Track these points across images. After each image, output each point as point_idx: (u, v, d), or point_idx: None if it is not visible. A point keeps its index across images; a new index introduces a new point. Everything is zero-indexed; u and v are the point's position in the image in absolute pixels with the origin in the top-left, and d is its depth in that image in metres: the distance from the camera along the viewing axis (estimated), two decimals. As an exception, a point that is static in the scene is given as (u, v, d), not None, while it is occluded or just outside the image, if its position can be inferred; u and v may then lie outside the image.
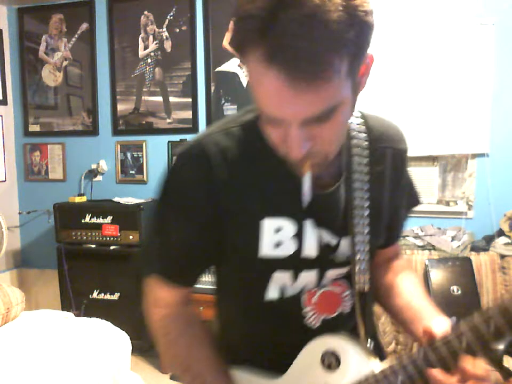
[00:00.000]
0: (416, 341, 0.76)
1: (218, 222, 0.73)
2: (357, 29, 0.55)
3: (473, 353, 0.60)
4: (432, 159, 2.81)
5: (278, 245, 0.73)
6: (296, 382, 0.76)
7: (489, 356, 0.61)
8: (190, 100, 3.15)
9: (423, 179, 2.84)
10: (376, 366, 0.72)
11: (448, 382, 0.61)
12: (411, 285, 0.88)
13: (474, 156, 2.71)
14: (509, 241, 2.51)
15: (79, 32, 3.34)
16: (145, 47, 3.21)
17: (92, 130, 3.37)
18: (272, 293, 0.76)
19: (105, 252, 2.91)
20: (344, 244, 0.77)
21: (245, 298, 0.80)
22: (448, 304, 2.28)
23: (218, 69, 3.07)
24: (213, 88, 3.10)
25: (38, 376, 1.73)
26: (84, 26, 3.32)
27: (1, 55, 3.43)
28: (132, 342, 2.16)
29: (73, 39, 3.36)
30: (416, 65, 2.72)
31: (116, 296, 2.95)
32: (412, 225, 2.71)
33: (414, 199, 0.91)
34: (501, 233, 2.58)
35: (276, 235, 0.73)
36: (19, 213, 3.56)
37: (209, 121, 3.10)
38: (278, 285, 0.75)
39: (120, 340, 2.14)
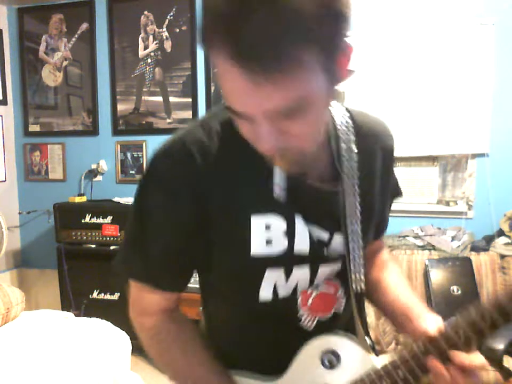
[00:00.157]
0: (407, 335, 0.77)
1: (205, 222, 0.71)
2: (329, 21, 0.53)
3: (470, 345, 0.62)
4: (432, 159, 2.82)
5: (269, 242, 0.71)
6: (295, 383, 0.76)
7: (488, 354, 0.63)
8: (190, 100, 3.15)
9: (423, 179, 2.84)
10: (377, 361, 0.72)
11: (450, 373, 0.63)
12: (397, 279, 0.89)
13: (474, 155, 2.71)
14: (509, 241, 2.51)
15: (79, 32, 3.34)
16: (145, 47, 3.21)
17: (92, 130, 3.37)
18: (266, 292, 0.74)
19: (105, 252, 2.90)
20: (336, 239, 0.76)
21: (238, 300, 0.78)
22: (448, 304, 2.28)
23: (218, 69, 3.06)
24: (213, 88, 3.10)
25: (38, 376, 1.73)
26: (84, 26, 3.32)
27: (1, 55, 3.43)
28: (131, 342, 2.16)
29: (73, 39, 3.36)
30: (416, 65, 2.72)
31: (115, 296, 2.95)
32: (411, 225, 2.71)
33: (396, 191, 0.92)
34: (501, 233, 2.58)
35: (266, 232, 0.71)
36: (19, 213, 3.55)
37: (209, 121, 3.10)
38: (270, 284, 0.74)
39: (120, 339, 2.14)
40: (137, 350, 2.30)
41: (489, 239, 2.59)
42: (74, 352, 1.92)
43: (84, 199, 3.26)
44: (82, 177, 3.39)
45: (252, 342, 0.80)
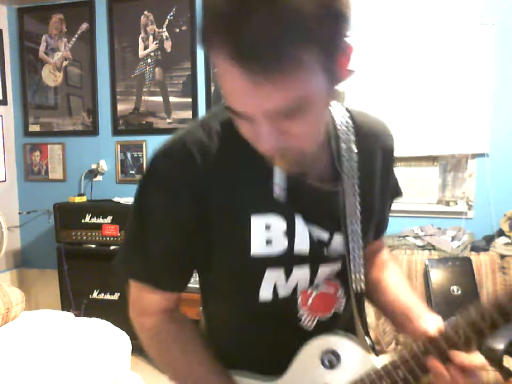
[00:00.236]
0: (407, 335, 0.77)
1: (205, 222, 0.71)
2: (329, 21, 0.53)
3: (470, 345, 0.63)
4: (432, 159, 2.82)
5: (269, 242, 0.71)
6: (296, 383, 0.75)
7: (488, 354, 0.63)
8: (190, 100, 3.15)
9: (423, 179, 2.84)
10: (377, 361, 0.72)
11: (450, 373, 0.63)
12: (397, 279, 0.89)
13: (474, 155, 2.71)
14: (509, 241, 2.51)
15: (79, 32, 3.34)
16: (145, 47, 3.21)
17: (92, 130, 3.37)
18: (266, 292, 0.74)
19: (105, 252, 2.90)
20: (336, 239, 0.76)
21: (238, 300, 0.78)
22: (448, 304, 2.28)
23: (218, 69, 3.06)
24: (213, 88, 3.10)
25: (38, 376, 1.73)
26: (84, 26, 3.32)
27: (1, 55, 3.43)
28: (131, 342, 2.16)
29: (73, 39, 3.36)
30: (416, 65, 2.72)
31: (115, 296, 2.95)
32: (411, 225, 2.71)
33: (396, 191, 0.92)
34: (501, 233, 2.58)
35: (266, 232, 0.71)
36: (19, 213, 3.55)
37: (209, 121, 3.10)
38: (270, 284, 0.74)
39: (120, 339, 2.14)
40: (137, 350, 2.30)
41: (489, 239, 2.59)
42: (74, 352, 1.92)
43: (84, 199, 3.26)
44: (82, 177, 3.39)
45: (252, 342, 0.79)
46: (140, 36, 3.20)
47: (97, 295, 2.99)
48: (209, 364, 0.77)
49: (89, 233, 2.96)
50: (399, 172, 2.79)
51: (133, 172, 3.31)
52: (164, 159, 0.71)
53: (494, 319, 0.60)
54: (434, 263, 2.40)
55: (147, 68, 3.22)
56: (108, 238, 2.93)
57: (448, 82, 2.69)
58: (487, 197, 2.68)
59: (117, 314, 2.70)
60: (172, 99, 3.19)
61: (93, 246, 2.98)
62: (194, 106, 3.14)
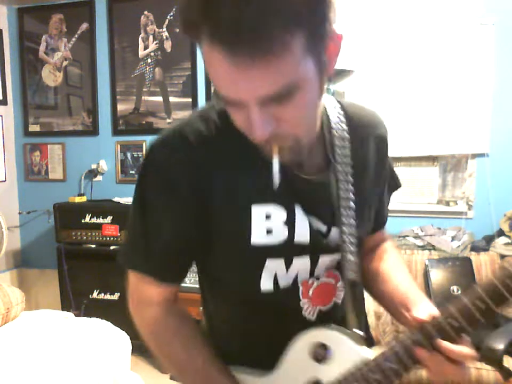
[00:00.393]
0: (405, 325, 0.77)
1: (205, 212, 0.71)
2: (318, 6, 0.53)
3: (460, 333, 0.63)
4: (432, 159, 2.82)
5: (269, 231, 0.71)
6: (286, 378, 0.75)
7: (488, 354, 0.63)
8: (190, 100, 3.15)
9: (423, 179, 2.84)
10: (369, 353, 0.71)
11: (438, 362, 0.64)
12: (397, 269, 0.89)
13: (474, 155, 2.71)
14: (509, 241, 2.51)
15: (79, 32, 3.34)
16: (145, 47, 3.21)
17: (92, 130, 3.37)
18: (266, 283, 0.74)
19: (105, 252, 2.90)
20: (335, 232, 0.76)
21: (239, 291, 0.78)
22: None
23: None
24: (213, 88, 3.10)
25: (38, 376, 1.73)
26: (84, 26, 3.32)
27: (1, 55, 3.43)
28: (131, 342, 2.16)
29: (73, 39, 3.36)
30: (416, 65, 2.72)
31: (115, 296, 2.95)
32: (411, 225, 2.71)
33: (395, 183, 0.92)
34: (501, 233, 2.58)
35: (266, 222, 0.71)
36: (19, 213, 3.56)
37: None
38: (271, 274, 0.73)
39: (120, 339, 2.14)
40: (137, 350, 2.31)
41: (489, 239, 2.59)
42: (74, 352, 1.92)
43: (83, 199, 3.26)
44: (82, 177, 3.39)
45: (254, 336, 0.79)
46: (140, 35, 3.21)
47: (97, 295, 2.99)
48: (209, 356, 0.77)
49: (89, 233, 2.96)
50: (399, 172, 2.79)
51: (133, 172, 3.31)
52: (162, 149, 0.71)
53: (485, 302, 0.60)
54: (434, 263, 2.40)
55: (147, 68, 3.22)
56: (108, 238, 2.93)
57: (448, 82, 2.69)
58: (487, 197, 2.68)
59: (117, 314, 2.70)
60: (172, 99, 3.19)
61: (93, 246, 2.98)
62: (194, 106, 3.13)
